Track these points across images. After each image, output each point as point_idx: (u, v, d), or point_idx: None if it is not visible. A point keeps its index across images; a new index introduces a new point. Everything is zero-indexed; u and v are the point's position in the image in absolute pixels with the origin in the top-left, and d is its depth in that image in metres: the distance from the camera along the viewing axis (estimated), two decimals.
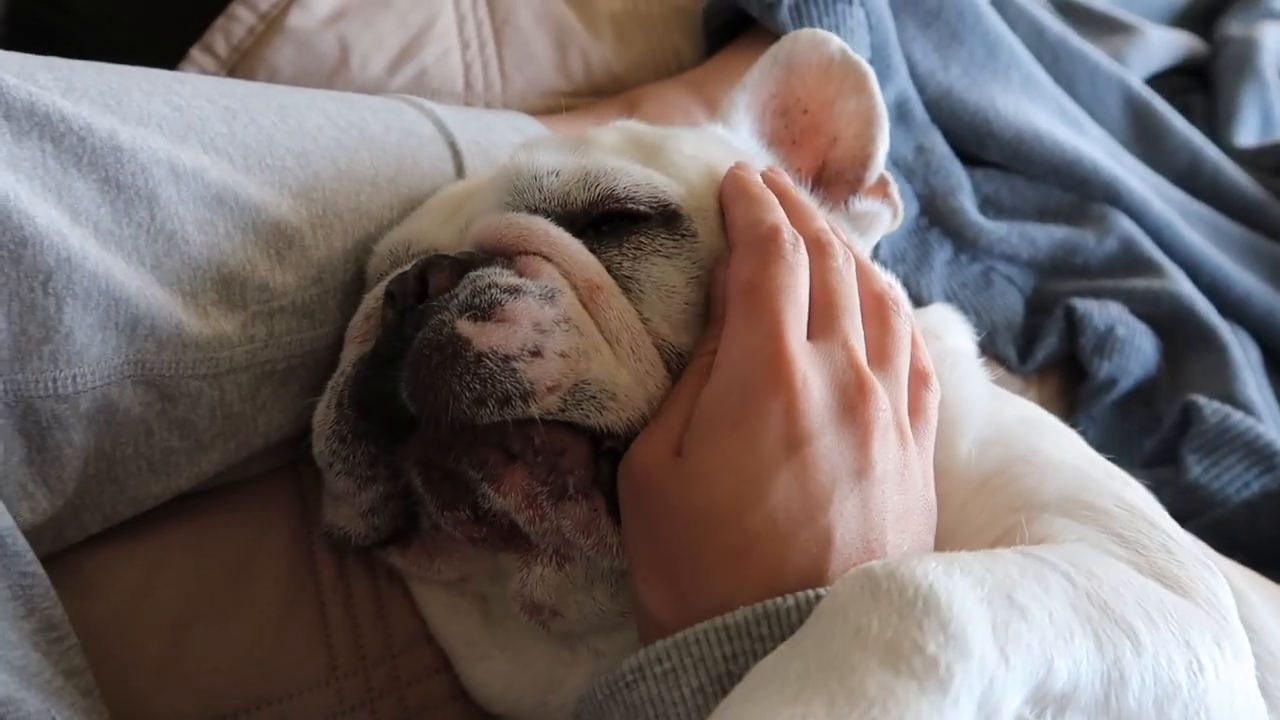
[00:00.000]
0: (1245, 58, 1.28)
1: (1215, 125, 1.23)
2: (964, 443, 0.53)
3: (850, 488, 0.44)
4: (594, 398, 0.47)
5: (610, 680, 0.42)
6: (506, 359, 0.46)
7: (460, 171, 0.67)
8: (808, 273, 0.49)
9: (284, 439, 0.59)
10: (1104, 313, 0.94)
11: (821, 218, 0.54)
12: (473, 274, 0.50)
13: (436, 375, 0.46)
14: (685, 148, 0.58)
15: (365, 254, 0.60)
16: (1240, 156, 1.17)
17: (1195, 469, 0.84)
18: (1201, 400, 0.87)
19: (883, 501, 0.45)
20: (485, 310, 0.47)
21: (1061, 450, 0.55)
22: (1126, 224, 1.01)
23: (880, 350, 0.49)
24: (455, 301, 0.48)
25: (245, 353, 0.55)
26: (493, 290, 0.48)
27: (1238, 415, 0.85)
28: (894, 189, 0.67)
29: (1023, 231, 0.99)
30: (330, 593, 0.61)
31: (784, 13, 0.87)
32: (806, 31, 0.66)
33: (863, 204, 0.66)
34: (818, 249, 0.50)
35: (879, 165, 0.66)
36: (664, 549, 0.44)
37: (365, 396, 0.50)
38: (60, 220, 0.48)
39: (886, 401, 0.47)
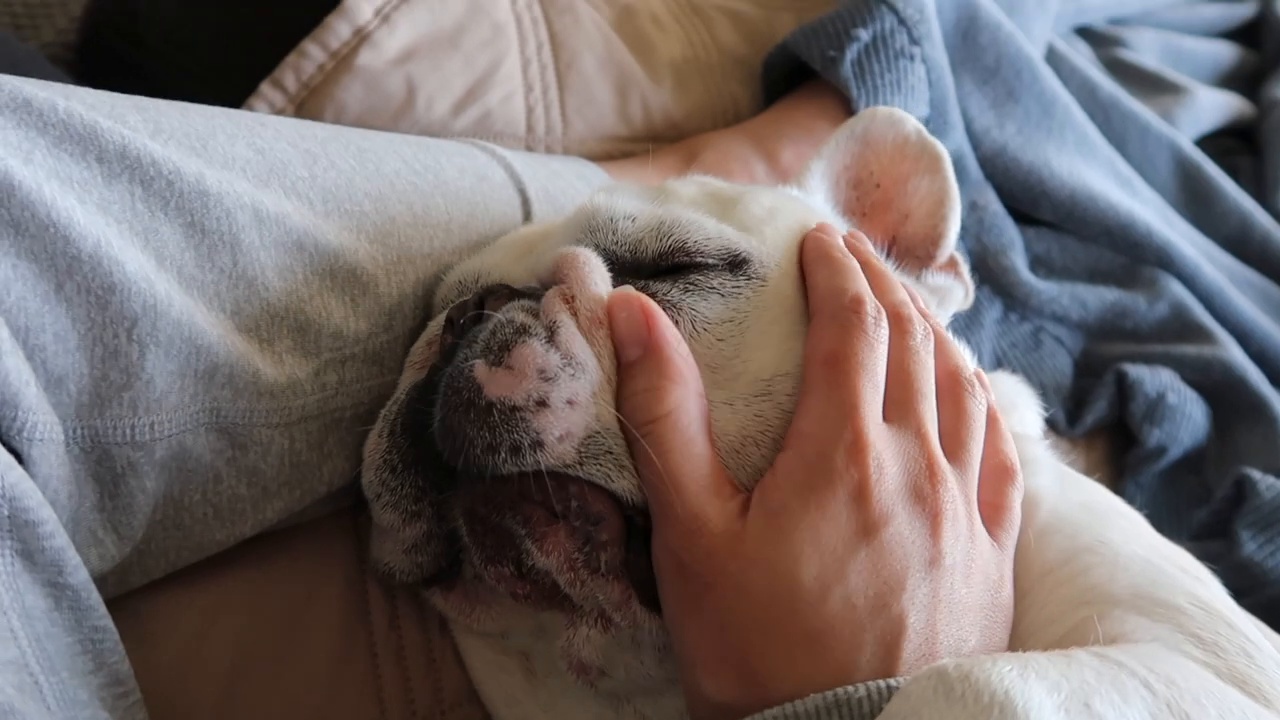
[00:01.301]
0: None
1: (1263, 189, 1.23)
2: (1026, 532, 0.52)
3: (922, 576, 0.44)
4: (610, 452, 0.46)
5: None
6: (514, 409, 0.46)
7: (529, 218, 0.67)
8: (887, 348, 0.49)
9: (345, 485, 0.58)
10: (1155, 379, 0.93)
11: (902, 289, 0.53)
12: (504, 308, 0.50)
13: (454, 419, 0.46)
14: (764, 202, 0.57)
15: (440, 280, 0.60)
16: None
17: (1249, 545, 0.82)
18: (1256, 475, 0.86)
19: (951, 593, 0.44)
20: (497, 353, 0.47)
21: (1129, 540, 0.53)
22: (1178, 288, 1.00)
23: (953, 436, 0.49)
24: (480, 339, 0.48)
25: (317, 401, 0.55)
26: (505, 330, 0.48)
27: None
28: (964, 268, 0.67)
29: (1073, 292, 0.99)
30: (383, 644, 0.60)
31: (846, 68, 0.87)
32: (884, 110, 0.67)
33: (936, 279, 0.66)
34: (897, 324, 0.50)
35: (950, 245, 0.67)
36: (738, 634, 0.43)
37: (417, 425, 0.50)
38: (147, 265, 0.48)
39: (957, 491, 0.46)
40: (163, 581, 0.55)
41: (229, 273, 0.51)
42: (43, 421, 0.45)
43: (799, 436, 0.46)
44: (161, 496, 0.51)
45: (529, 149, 0.83)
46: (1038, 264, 1.02)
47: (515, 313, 0.49)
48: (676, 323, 0.50)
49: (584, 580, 0.47)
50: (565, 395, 0.46)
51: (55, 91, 0.50)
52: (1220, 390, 0.95)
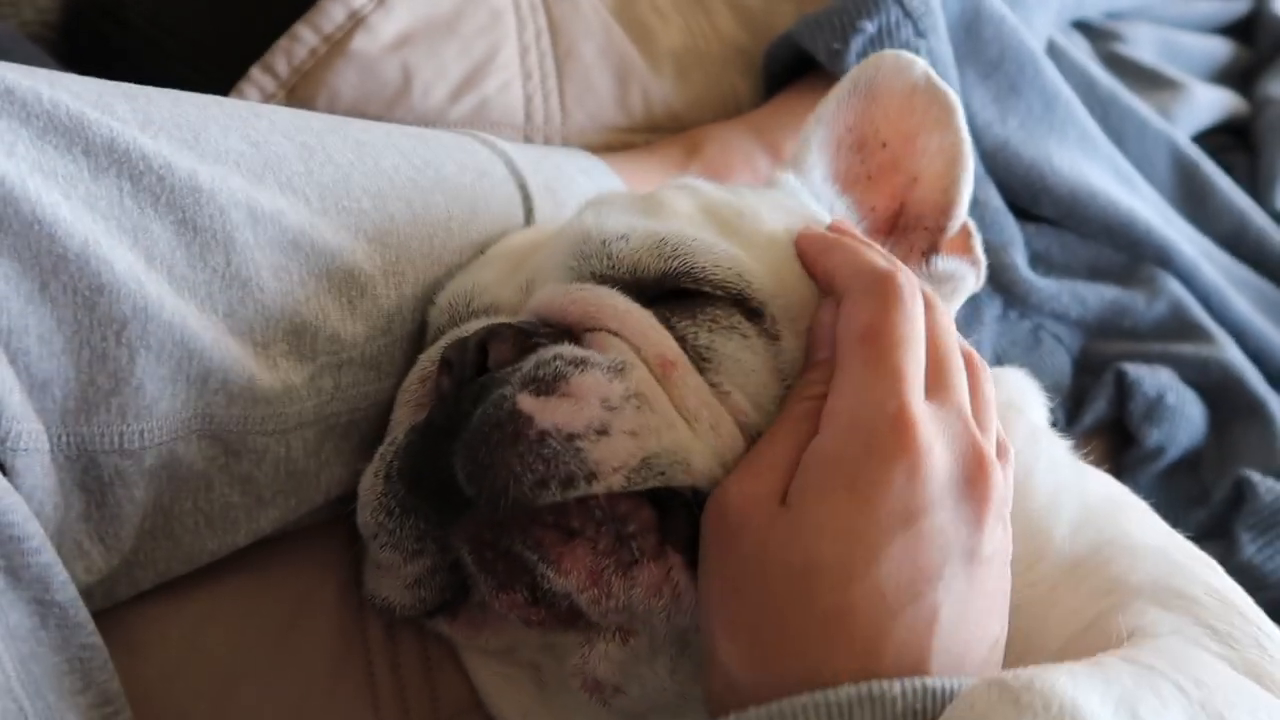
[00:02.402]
0: None
1: (1258, 187, 1.22)
2: (1060, 529, 0.52)
3: (960, 567, 0.42)
4: (663, 473, 0.45)
5: None
6: (571, 437, 0.43)
7: (530, 214, 0.65)
8: (924, 324, 0.47)
9: (343, 494, 0.56)
10: (1154, 379, 0.92)
11: (908, 272, 0.52)
12: (542, 349, 0.47)
13: (496, 455, 0.43)
14: (764, 228, 0.54)
15: (432, 302, 0.58)
16: None
17: (1249, 548, 0.82)
18: (1256, 476, 0.85)
19: (984, 584, 0.43)
20: (549, 384, 0.44)
21: (1146, 532, 0.54)
22: (1176, 287, 1.00)
23: (979, 420, 0.47)
24: (518, 375, 0.45)
25: (313, 407, 0.53)
26: (558, 362, 0.45)
27: None
28: (977, 241, 0.62)
29: (1073, 290, 0.98)
30: (378, 654, 0.58)
31: (850, 59, 0.85)
32: (890, 55, 0.60)
33: (946, 264, 0.62)
34: (926, 302, 0.48)
35: (962, 212, 0.61)
36: (752, 603, 0.42)
37: (417, 470, 0.47)
38: (136, 265, 0.46)
39: (1001, 478, 0.45)
40: (152, 589, 0.53)
41: (222, 273, 0.49)
42: (28, 430, 0.43)
43: (833, 415, 0.44)
44: (151, 506, 0.49)
45: (527, 139, 0.81)
46: (1037, 261, 1.01)
47: (564, 349, 0.46)
48: (706, 366, 0.48)
49: (611, 588, 0.45)
50: (628, 426, 0.44)
51: (40, 79, 0.47)
52: (1218, 390, 0.95)
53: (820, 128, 0.61)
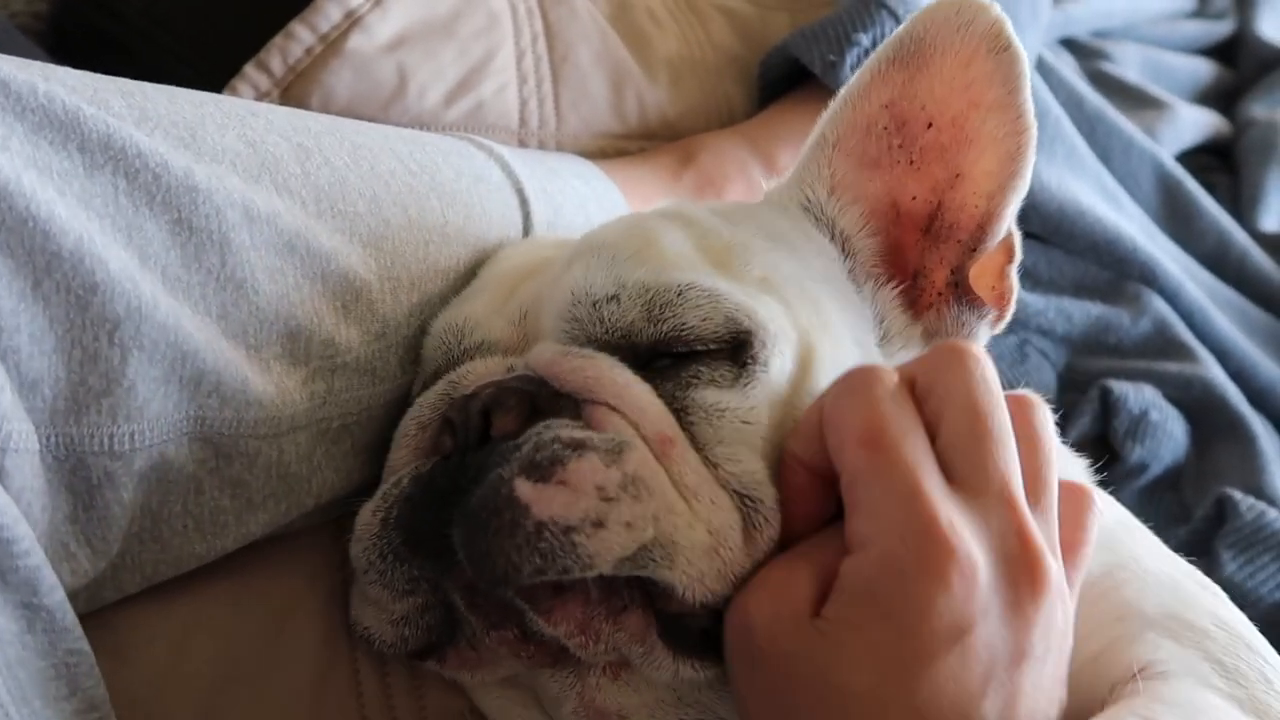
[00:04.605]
0: (1270, 142, 1.28)
1: (1239, 208, 1.24)
2: None
3: (1005, 677, 0.40)
4: (655, 560, 0.44)
5: None
6: (568, 530, 0.43)
7: (527, 219, 0.65)
8: (911, 404, 0.43)
9: (333, 498, 0.56)
10: (1139, 396, 0.93)
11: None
12: (540, 425, 0.46)
13: (493, 543, 0.43)
14: (754, 272, 0.51)
15: (429, 309, 0.57)
16: (1264, 241, 1.18)
17: (1230, 566, 0.83)
18: (1237, 495, 0.86)
19: (1036, 681, 0.41)
20: (546, 469, 0.43)
21: (1154, 557, 0.53)
22: (1161, 305, 1.01)
23: (1033, 476, 0.43)
24: (517, 456, 0.44)
25: (305, 411, 0.52)
26: (555, 446, 0.44)
27: (1273, 514, 0.84)
28: (1013, 268, 0.54)
29: (1059, 306, 0.99)
30: (365, 661, 0.58)
31: (846, 72, 0.86)
32: (948, 3, 0.49)
33: (969, 315, 0.54)
34: (954, 356, 0.43)
35: (1004, 226, 0.53)
36: (782, 717, 0.42)
37: (415, 524, 0.48)
38: (130, 264, 0.45)
39: (1056, 572, 0.42)
40: (138, 593, 0.52)
41: (217, 274, 0.48)
42: (18, 430, 0.42)
43: (859, 540, 0.41)
44: (139, 509, 0.48)
45: (521, 143, 0.81)
46: (1024, 276, 0.99)
47: (563, 429, 0.45)
48: (691, 424, 0.46)
49: (599, 635, 0.45)
50: (624, 517, 0.43)
51: (34, 72, 0.46)
52: (1200, 408, 0.96)
53: (846, 110, 0.54)
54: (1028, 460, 0.43)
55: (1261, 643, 0.50)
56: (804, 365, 0.49)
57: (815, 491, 0.45)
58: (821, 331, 0.51)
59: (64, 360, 0.44)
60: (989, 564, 0.40)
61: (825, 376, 0.48)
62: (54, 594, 0.42)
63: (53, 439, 0.44)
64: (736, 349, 0.48)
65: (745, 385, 0.47)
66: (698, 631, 0.46)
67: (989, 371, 0.43)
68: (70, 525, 0.46)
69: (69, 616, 0.42)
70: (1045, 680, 0.42)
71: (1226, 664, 0.46)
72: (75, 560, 0.46)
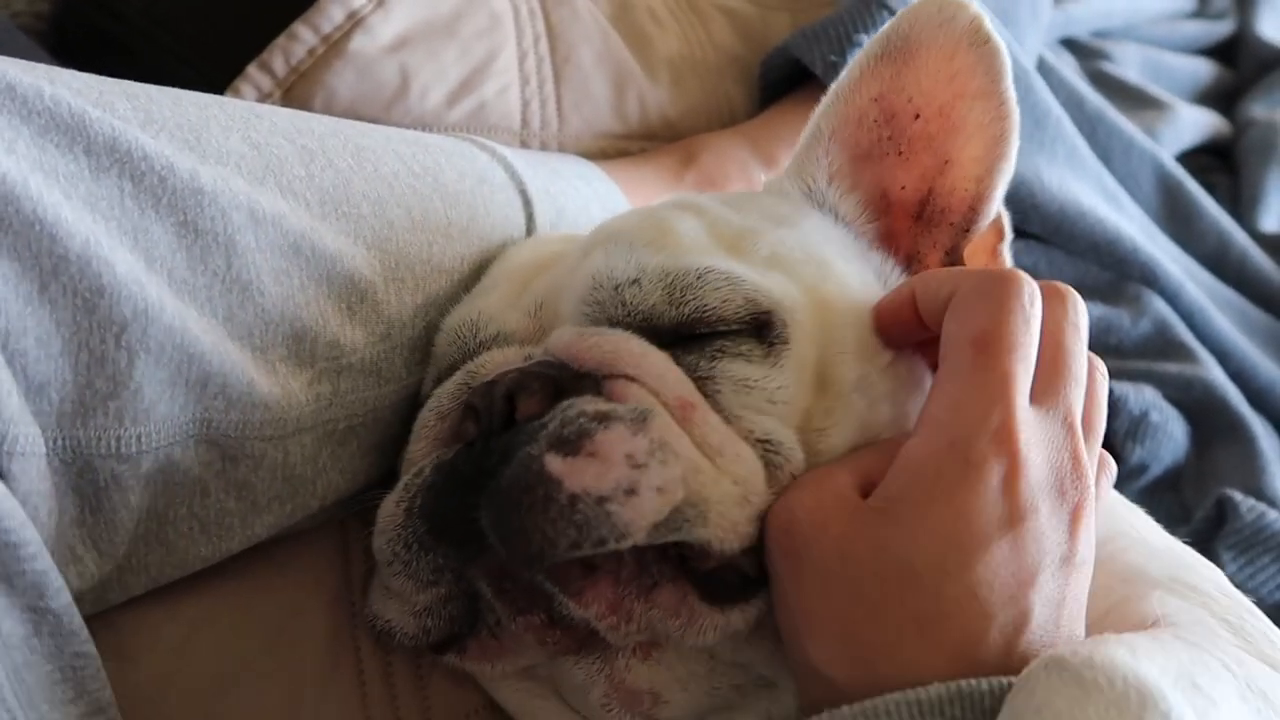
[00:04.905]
0: (1270, 142, 1.29)
1: (1239, 208, 1.24)
2: None
3: (1054, 571, 0.43)
4: (689, 520, 0.45)
5: None
6: (601, 500, 0.43)
7: (530, 220, 0.65)
8: (1040, 325, 0.46)
9: (339, 500, 0.56)
10: (1139, 397, 0.93)
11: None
12: (564, 403, 0.47)
13: (528, 520, 0.43)
14: (762, 251, 0.52)
15: (434, 309, 0.57)
16: (1264, 241, 1.18)
17: (1230, 567, 0.83)
18: (1238, 496, 0.87)
19: (1074, 588, 0.44)
20: (574, 442, 0.44)
21: (1154, 532, 0.56)
22: (1161, 306, 1.01)
23: (1088, 421, 0.47)
24: (545, 433, 0.45)
25: (311, 412, 0.52)
26: (581, 420, 0.45)
27: (1273, 515, 0.85)
28: (1005, 245, 0.57)
29: None
30: (369, 661, 0.58)
31: None
32: (930, 2, 0.52)
33: None
34: (1054, 295, 0.47)
35: (993, 207, 0.55)
36: (839, 605, 0.43)
37: (440, 511, 0.48)
38: (137, 266, 0.45)
39: (1091, 486, 0.45)
40: (143, 594, 0.52)
41: (223, 276, 0.48)
42: (24, 434, 0.42)
43: (932, 423, 0.44)
44: (145, 511, 0.48)
45: (523, 143, 0.81)
46: None
47: (587, 403, 0.46)
48: (717, 392, 0.48)
49: (632, 614, 0.45)
50: (655, 482, 0.44)
51: (40, 75, 0.46)
52: (1200, 409, 0.96)
53: (837, 105, 0.56)
54: (1087, 404, 0.47)
55: (1261, 615, 0.51)
56: (822, 324, 0.50)
57: (910, 326, 0.49)
58: (825, 282, 0.52)
59: (71, 363, 0.44)
60: (1043, 464, 0.43)
61: (842, 325, 0.51)
62: (61, 597, 0.42)
63: (60, 442, 0.44)
64: (759, 329, 0.49)
65: (775, 362, 0.49)
66: (734, 585, 0.47)
67: (1083, 319, 0.47)
68: (77, 528, 0.46)
69: (75, 619, 0.43)
70: (1084, 591, 0.45)
71: (1232, 622, 0.48)
72: (82, 563, 0.46)
